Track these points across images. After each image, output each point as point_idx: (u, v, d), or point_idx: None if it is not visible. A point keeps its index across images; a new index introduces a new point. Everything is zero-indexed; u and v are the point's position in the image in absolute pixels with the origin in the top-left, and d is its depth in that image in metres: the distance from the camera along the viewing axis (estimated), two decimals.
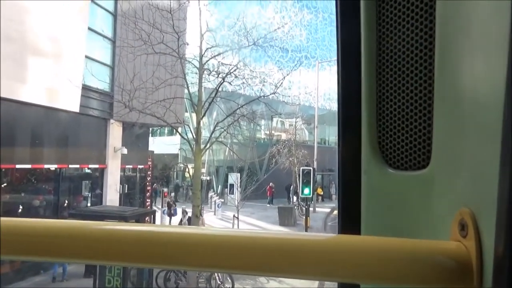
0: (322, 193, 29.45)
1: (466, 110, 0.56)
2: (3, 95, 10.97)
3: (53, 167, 13.85)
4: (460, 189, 0.57)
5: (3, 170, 11.96)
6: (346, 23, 0.83)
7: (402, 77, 0.72)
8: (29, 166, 12.75)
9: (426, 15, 0.67)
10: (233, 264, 0.55)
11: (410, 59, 0.71)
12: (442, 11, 0.63)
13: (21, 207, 12.91)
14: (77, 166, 15.22)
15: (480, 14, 0.54)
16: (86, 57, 14.34)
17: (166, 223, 19.66)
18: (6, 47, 10.75)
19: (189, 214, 15.20)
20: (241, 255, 0.55)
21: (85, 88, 14.17)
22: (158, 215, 17.37)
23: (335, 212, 25.81)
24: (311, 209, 20.74)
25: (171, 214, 19.57)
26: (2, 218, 0.58)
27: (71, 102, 13.47)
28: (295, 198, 25.89)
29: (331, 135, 38.59)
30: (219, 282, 11.26)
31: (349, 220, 0.81)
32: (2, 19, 10.45)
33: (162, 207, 21.75)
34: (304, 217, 17.86)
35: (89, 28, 14.57)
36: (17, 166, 12.32)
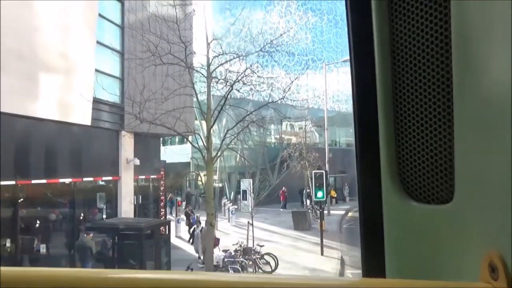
0: (335, 195, 29.27)
1: (493, 133, 0.52)
2: (17, 112, 11.20)
3: (67, 181, 14.03)
4: (486, 226, 0.54)
5: (19, 186, 12.16)
6: (358, 24, 0.80)
7: (420, 92, 0.68)
8: (44, 181, 12.93)
9: (441, 16, 0.64)
10: None
11: (426, 69, 0.67)
12: (457, 11, 0.60)
13: (38, 221, 13.10)
14: (91, 179, 15.39)
15: (497, 13, 0.52)
16: (96, 70, 14.54)
17: (181, 233, 19.80)
18: (18, 65, 10.99)
19: (203, 224, 15.23)
20: None
21: (96, 101, 14.35)
22: (173, 225, 17.48)
23: (350, 214, 25.57)
24: (325, 212, 20.56)
25: (190, 224, 19.66)
26: (3, 268, 0.55)
27: (82, 116, 13.66)
28: (308, 201, 25.73)
29: (342, 136, 38.41)
30: None
31: (372, 260, 0.78)
32: (13, 37, 10.68)
33: (176, 216, 21.86)
34: (318, 221, 17.72)
35: (98, 42, 14.79)
36: (33, 181, 12.50)
